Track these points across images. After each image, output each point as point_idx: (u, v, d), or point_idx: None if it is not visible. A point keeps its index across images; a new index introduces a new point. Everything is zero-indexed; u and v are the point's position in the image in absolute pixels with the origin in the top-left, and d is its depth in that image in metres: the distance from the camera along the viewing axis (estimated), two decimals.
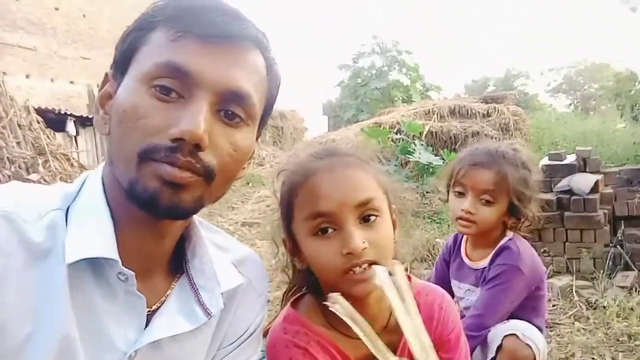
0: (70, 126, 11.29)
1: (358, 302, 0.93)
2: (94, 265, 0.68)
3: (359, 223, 0.94)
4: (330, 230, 0.94)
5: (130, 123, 0.66)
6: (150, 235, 0.73)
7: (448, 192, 1.78)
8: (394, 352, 0.94)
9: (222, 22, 0.68)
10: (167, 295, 0.77)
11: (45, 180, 6.39)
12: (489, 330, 1.60)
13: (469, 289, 1.76)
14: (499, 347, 1.56)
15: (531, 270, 1.65)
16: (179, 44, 0.66)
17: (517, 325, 1.59)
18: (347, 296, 0.90)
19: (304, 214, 0.96)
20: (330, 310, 0.94)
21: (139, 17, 0.72)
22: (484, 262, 1.72)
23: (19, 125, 6.78)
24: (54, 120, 9.83)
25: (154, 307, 0.75)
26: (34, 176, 6.36)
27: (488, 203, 1.64)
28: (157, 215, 0.68)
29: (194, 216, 0.80)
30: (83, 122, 11.44)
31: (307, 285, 1.10)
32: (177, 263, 0.80)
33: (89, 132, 11.55)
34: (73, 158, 7.65)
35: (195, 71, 0.66)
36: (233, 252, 0.88)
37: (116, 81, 0.71)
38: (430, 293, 1.09)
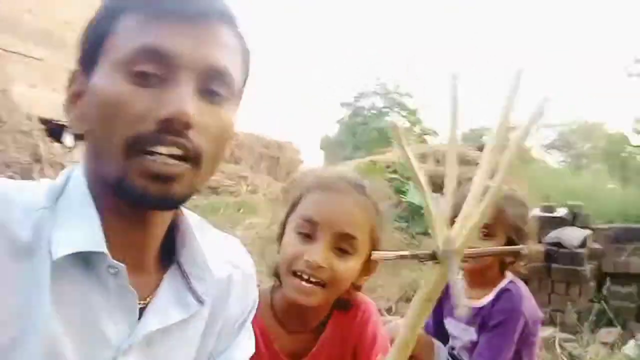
0: (69, 137, 11.30)
1: (294, 305, 1.09)
2: (83, 260, 0.66)
3: (333, 248, 1.06)
4: (309, 237, 1.07)
5: (112, 114, 0.63)
6: (138, 227, 0.71)
7: None
8: (307, 352, 1.15)
9: (189, 1, 0.67)
10: (159, 287, 0.75)
11: None
12: None
13: (464, 328, 1.73)
14: None
15: (530, 315, 1.65)
16: (151, 27, 0.65)
17: None
18: (287, 298, 1.09)
19: (301, 212, 1.11)
20: (280, 303, 1.15)
21: (99, 8, 0.69)
22: (482, 302, 1.70)
23: (20, 132, 6.81)
24: (54, 131, 9.84)
25: (146, 301, 0.73)
26: None
27: (486, 237, 1.64)
28: (147, 207, 0.67)
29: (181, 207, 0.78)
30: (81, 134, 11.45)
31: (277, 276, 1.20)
32: (167, 255, 0.78)
33: None
34: None
35: (174, 53, 0.64)
36: (220, 241, 0.86)
37: (86, 77, 0.68)
38: (367, 308, 1.23)
